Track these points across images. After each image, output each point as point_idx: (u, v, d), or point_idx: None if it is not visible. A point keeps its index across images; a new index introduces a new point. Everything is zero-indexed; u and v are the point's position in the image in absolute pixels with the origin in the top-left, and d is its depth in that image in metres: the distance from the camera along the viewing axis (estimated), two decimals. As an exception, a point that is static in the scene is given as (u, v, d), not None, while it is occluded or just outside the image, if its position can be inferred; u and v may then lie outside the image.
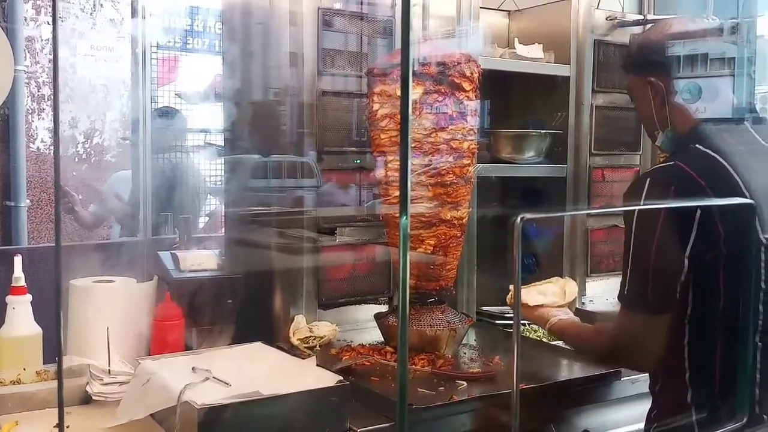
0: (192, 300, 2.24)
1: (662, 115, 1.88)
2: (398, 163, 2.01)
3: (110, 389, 1.86)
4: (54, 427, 1.65)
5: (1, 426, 1.70)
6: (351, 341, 2.31)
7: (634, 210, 1.79)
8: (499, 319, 2.70)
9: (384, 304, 2.48)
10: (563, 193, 2.84)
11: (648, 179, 1.79)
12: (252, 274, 2.40)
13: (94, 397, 1.86)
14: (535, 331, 2.56)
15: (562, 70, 2.82)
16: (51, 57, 4.85)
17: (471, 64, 2.15)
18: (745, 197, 1.67)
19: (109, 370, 1.91)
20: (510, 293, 2.23)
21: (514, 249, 1.27)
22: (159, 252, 2.65)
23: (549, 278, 2.33)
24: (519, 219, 1.26)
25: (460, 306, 2.56)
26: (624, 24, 2.88)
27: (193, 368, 1.78)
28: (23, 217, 4.66)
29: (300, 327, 2.27)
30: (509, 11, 3.10)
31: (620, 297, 1.80)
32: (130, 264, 2.43)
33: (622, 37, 2.87)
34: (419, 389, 1.88)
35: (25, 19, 4.70)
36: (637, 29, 2.86)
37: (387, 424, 1.73)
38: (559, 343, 2.33)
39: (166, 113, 4.15)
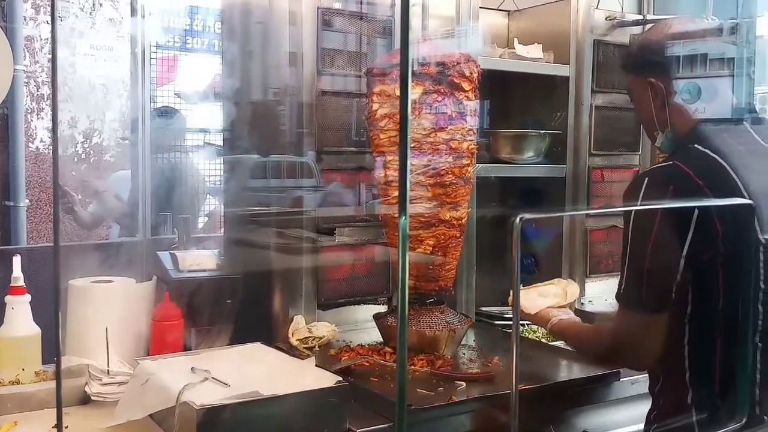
0: (191, 300, 2.24)
1: (662, 116, 1.88)
2: (397, 163, 2.01)
3: (109, 389, 1.86)
4: (53, 427, 1.64)
5: (0, 426, 1.70)
6: (350, 342, 2.31)
7: (632, 209, 1.79)
8: (498, 320, 2.69)
9: (383, 304, 2.47)
10: (562, 193, 2.84)
11: (646, 179, 1.79)
12: (251, 274, 2.40)
13: (92, 398, 1.86)
14: (534, 332, 2.55)
15: (561, 70, 2.82)
16: (50, 56, 4.85)
17: (470, 64, 2.15)
18: (744, 197, 1.67)
19: (108, 370, 1.91)
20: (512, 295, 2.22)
21: (514, 249, 1.27)
22: (158, 252, 2.65)
23: (550, 279, 2.33)
24: (518, 219, 1.26)
25: (459, 306, 2.56)
26: (623, 24, 2.88)
27: (192, 368, 1.78)
28: (22, 217, 4.66)
29: (299, 327, 2.27)
30: (509, 11, 3.10)
31: (617, 296, 1.80)
32: (129, 264, 2.42)
33: (622, 37, 2.87)
34: (418, 390, 1.87)
35: (25, 19, 4.70)
36: (637, 29, 2.86)
37: (386, 425, 1.73)
38: (559, 343, 2.33)
39: (166, 113, 4.15)
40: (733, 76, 1.90)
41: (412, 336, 2.16)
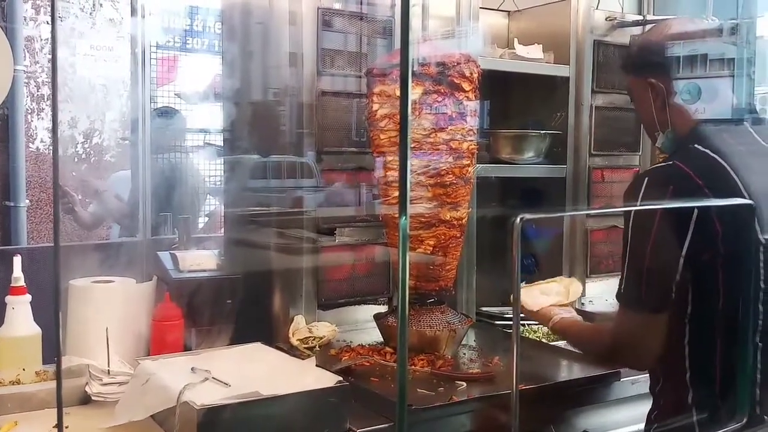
0: (191, 300, 2.24)
1: (662, 117, 1.88)
2: (398, 163, 2.01)
3: (109, 389, 1.86)
4: (53, 427, 1.64)
5: (1, 426, 1.70)
6: (350, 342, 2.31)
7: (632, 209, 1.79)
8: (499, 320, 2.70)
9: (383, 304, 2.47)
10: (563, 193, 2.84)
11: (646, 179, 1.80)
12: (251, 274, 2.40)
13: (93, 398, 1.86)
14: (535, 332, 2.56)
15: (561, 71, 2.82)
16: (50, 57, 4.85)
17: (470, 64, 2.15)
18: (744, 197, 1.68)
19: (108, 370, 1.91)
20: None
21: (514, 249, 1.27)
22: (158, 252, 2.65)
23: (553, 278, 2.33)
24: (518, 219, 1.26)
25: (460, 306, 2.56)
26: (623, 24, 2.88)
27: (192, 368, 1.78)
28: (23, 217, 4.66)
29: (299, 327, 2.27)
30: (509, 11, 3.10)
31: (618, 296, 1.81)
32: (129, 264, 2.42)
33: (622, 37, 2.87)
34: (419, 390, 1.88)
35: (25, 19, 4.70)
36: (637, 30, 2.86)
37: (386, 425, 1.73)
38: (559, 343, 2.33)
39: (166, 113, 4.15)
40: (733, 76, 1.90)
41: (412, 336, 2.16)
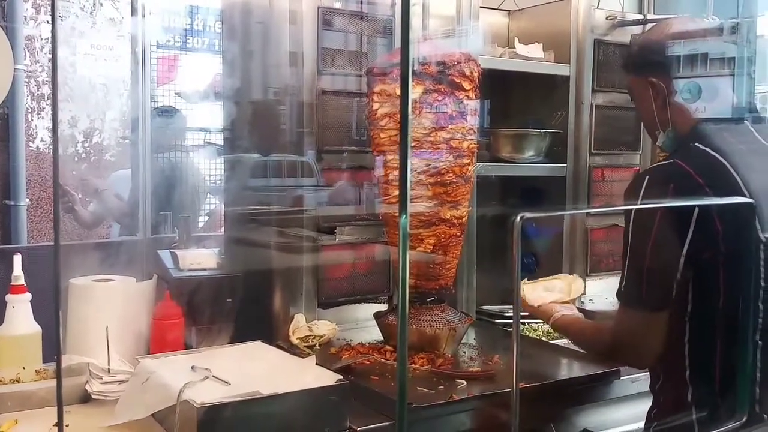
0: (191, 299, 2.24)
1: (663, 116, 1.88)
2: (398, 162, 2.01)
3: (110, 388, 1.86)
4: (53, 425, 1.65)
5: (1, 425, 1.70)
6: (350, 340, 2.31)
7: (633, 208, 1.80)
8: (499, 318, 2.70)
9: (383, 303, 2.48)
10: (563, 192, 2.84)
11: (647, 177, 1.80)
12: (251, 273, 2.40)
13: (93, 396, 1.86)
14: (535, 330, 2.56)
15: (562, 70, 2.82)
16: (51, 56, 4.85)
17: (471, 63, 2.15)
18: (745, 196, 1.68)
19: (108, 368, 1.91)
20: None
21: (514, 248, 1.27)
22: (158, 251, 2.65)
23: (554, 275, 2.34)
24: (518, 218, 1.26)
25: (460, 305, 2.56)
26: (624, 24, 2.88)
27: (192, 367, 1.78)
28: (23, 216, 4.66)
29: (299, 326, 2.27)
30: (509, 11, 3.10)
31: (618, 294, 1.81)
32: (129, 263, 2.43)
33: (622, 36, 2.87)
34: (419, 388, 1.88)
35: (25, 18, 4.71)
36: (637, 29, 2.86)
37: (386, 423, 1.73)
38: (559, 342, 2.34)
39: (166, 112, 4.15)
40: (733, 75, 1.90)
41: (412, 334, 2.16)
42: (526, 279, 2.33)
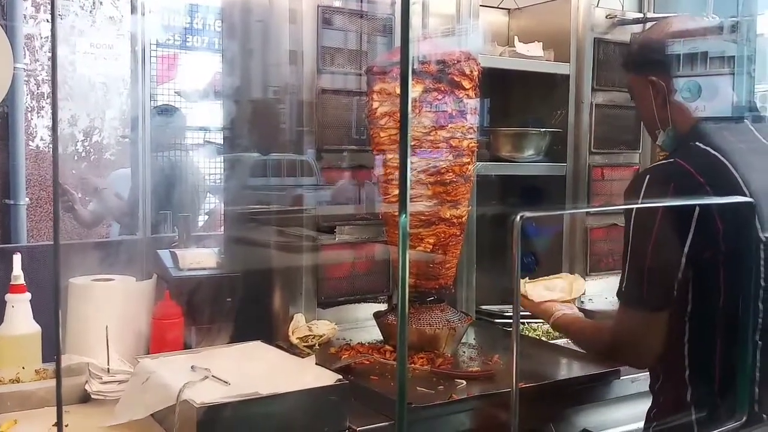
0: (191, 298, 2.24)
1: (663, 114, 1.88)
2: (398, 161, 2.00)
3: (109, 388, 1.86)
4: (53, 425, 1.64)
5: (0, 424, 1.70)
6: (350, 340, 2.31)
7: (633, 207, 1.80)
8: (499, 318, 2.69)
9: (383, 302, 2.47)
10: (563, 191, 2.84)
11: (647, 176, 1.79)
12: (251, 272, 2.40)
13: (93, 396, 1.86)
14: (535, 330, 2.56)
15: (561, 69, 2.82)
16: (50, 55, 4.85)
17: (471, 62, 2.15)
18: (745, 195, 1.68)
19: (108, 368, 1.91)
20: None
21: (514, 247, 1.27)
22: (158, 250, 2.65)
23: (556, 275, 2.34)
24: (518, 217, 1.26)
25: (460, 305, 2.56)
26: (624, 22, 2.88)
27: (192, 367, 1.77)
28: (22, 215, 4.66)
29: (299, 326, 2.27)
30: (509, 9, 3.10)
31: (618, 294, 1.81)
32: (129, 262, 2.42)
33: (622, 35, 2.87)
34: (418, 388, 1.88)
35: (25, 17, 4.70)
36: (637, 27, 2.86)
37: (386, 423, 1.73)
38: (559, 341, 2.33)
39: (166, 111, 4.15)
40: (733, 74, 1.90)
41: (412, 334, 2.16)
42: (527, 278, 2.33)
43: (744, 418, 1.63)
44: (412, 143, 2.07)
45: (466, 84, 2.13)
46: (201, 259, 2.46)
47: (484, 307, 2.75)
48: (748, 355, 1.65)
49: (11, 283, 2.04)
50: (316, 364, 1.85)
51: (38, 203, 4.75)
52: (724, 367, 1.71)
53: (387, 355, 2.14)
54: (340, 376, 1.74)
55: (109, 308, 2.07)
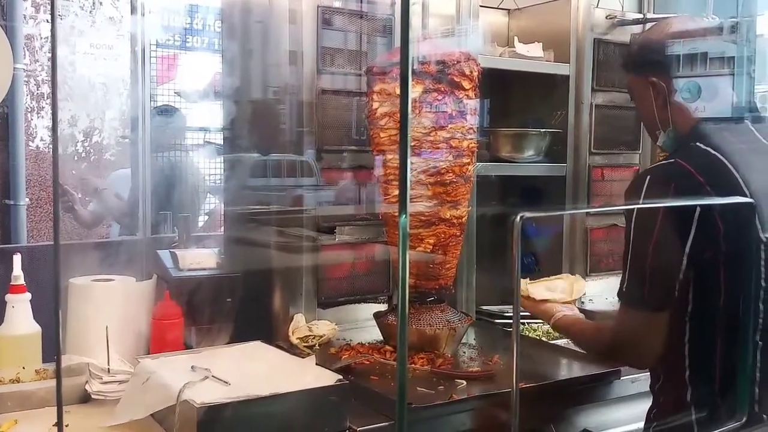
0: (191, 299, 2.24)
1: (664, 115, 1.88)
2: (398, 161, 2.00)
3: (109, 388, 1.86)
4: (53, 425, 1.64)
5: (1, 424, 1.70)
6: (350, 340, 2.31)
7: (634, 208, 1.80)
8: (499, 318, 2.70)
9: (383, 302, 2.47)
10: (563, 192, 2.84)
11: (648, 177, 1.79)
12: (251, 272, 2.40)
13: (93, 396, 1.86)
14: (535, 330, 2.56)
15: (561, 69, 2.82)
16: (50, 55, 4.85)
17: (470, 62, 2.15)
18: (745, 195, 1.68)
19: (108, 368, 1.91)
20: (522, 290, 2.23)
21: (514, 248, 1.27)
22: (158, 251, 2.65)
23: (557, 275, 2.34)
24: (518, 218, 1.26)
25: (460, 305, 2.56)
26: (624, 23, 2.88)
27: (192, 367, 1.77)
28: (22, 215, 4.66)
29: (299, 326, 2.27)
30: (509, 10, 3.10)
31: (619, 294, 1.80)
32: (129, 263, 2.42)
33: (622, 35, 2.87)
34: (418, 388, 1.88)
35: (25, 17, 4.70)
36: (637, 28, 2.86)
37: (386, 423, 1.73)
38: (559, 342, 2.33)
39: (166, 111, 4.15)
40: (733, 74, 1.90)
41: (412, 334, 2.16)
42: (528, 279, 2.33)
43: (744, 419, 1.63)
44: (412, 144, 2.07)
45: (466, 84, 2.13)
46: (201, 259, 2.46)
47: (484, 307, 2.75)
48: (748, 355, 1.65)
49: (11, 283, 2.04)
50: (316, 364, 1.85)
51: (38, 203, 4.75)
52: (724, 368, 1.71)
53: (387, 355, 2.14)
54: (341, 377, 1.74)
55: (109, 308, 2.07)
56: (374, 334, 2.33)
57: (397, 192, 2.09)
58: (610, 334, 1.87)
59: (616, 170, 2.93)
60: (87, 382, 1.88)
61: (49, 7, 4.77)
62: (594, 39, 2.83)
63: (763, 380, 1.70)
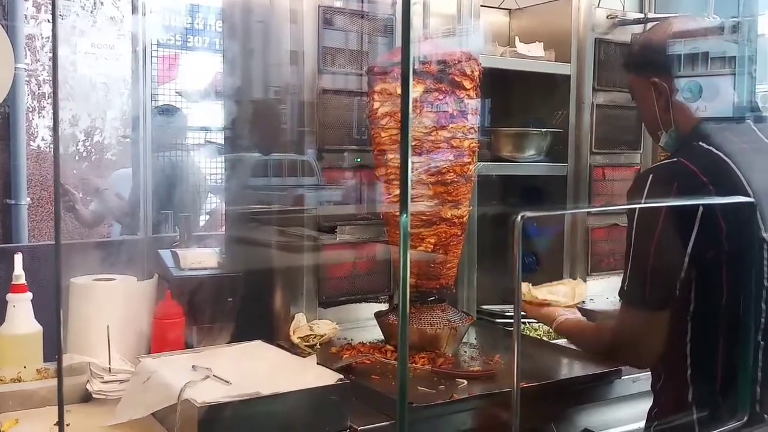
0: (192, 298, 2.24)
1: (666, 116, 1.88)
2: (399, 161, 2.01)
3: (110, 387, 1.86)
4: (54, 425, 1.65)
5: (2, 424, 1.70)
6: (351, 339, 2.31)
7: (635, 207, 1.79)
8: (500, 318, 2.69)
9: (384, 302, 2.47)
10: (564, 191, 2.84)
11: (650, 176, 1.79)
12: (252, 272, 2.40)
13: (94, 395, 1.86)
14: (536, 330, 2.56)
15: (562, 69, 2.82)
16: (51, 55, 4.85)
17: (471, 62, 2.15)
18: (748, 194, 1.67)
19: (109, 368, 1.91)
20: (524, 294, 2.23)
21: (515, 247, 1.27)
22: (159, 250, 2.65)
23: (551, 277, 2.34)
24: (519, 217, 1.26)
25: (461, 304, 2.56)
26: (625, 22, 2.88)
27: (193, 366, 1.78)
28: (24, 215, 4.66)
29: (300, 325, 2.27)
30: (510, 9, 3.10)
31: (620, 293, 1.80)
32: (130, 262, 2.43)
33: (623, 35, 2.87)
34: (419, 388, 1.88)
35: (26, 17, 4.70)
36: (638, 28, 2.86)
37: (387, 423, 1.73)
38: (560, 341, 2.33)
39: (167, 111, 4.15)
40: (734, 74, 1.90)
41: (413, 334, 2.16)
42: (530, 284, 2.31)
43: (745, 418, 1.63)
44: (413, 143, 2.07)
45: (467, 84, 2.13)
46: (202, 258, 2.46)
47: (485, 306, 2.75)
48: (749, 355, 1.65)
49: (12, 282, 2.04)
50: (317, 363, 1.85)
51: (39, 203, 4.75)
52: (725, 367, 1.71)
53: (388, 354, 2.14)
54: (341, 376, 1.74)
55: (110, 308, 2.07)
56: (375, 333, 2.33)
57: (398, 191, 2.09)
58: (611, 333, 1.87)
59: (617, 170, 2.93)
60: (88, 381, 1.88)
61: (50, 7, 4.77)
62: (595, 39, 2.83)
63: (765, 380, 1.70)
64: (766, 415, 1.69)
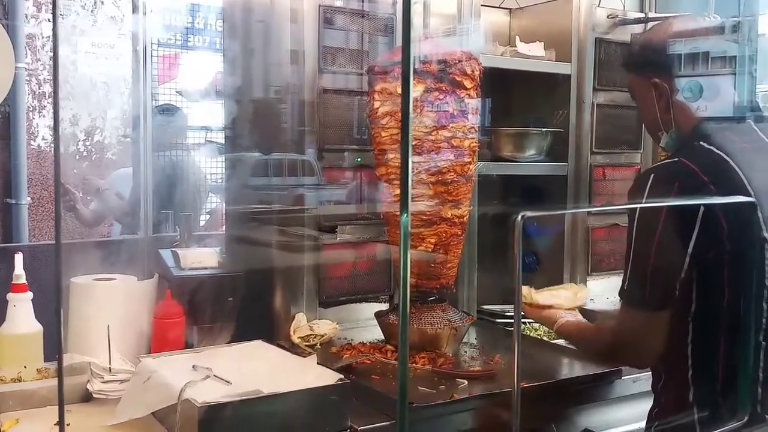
0: (192, 298, 2.24)
1: (666, 116, 1.87)
2: (399, 161, 2.00)
3: (111, 387, 1.86)
4: (54, 425, 1.65)
5: (2, 424, 1.70)
6: (352, 339, 2.31)
7: (636, 207, 1.79)
8: (500, 318, 2.69)
9: (385, 302, 2.47)
10: (564, 191, 2.84)
11: (652, 175, 1.79)
12: (253, 272, 2.40)
13: (94, 395, 1.86)
14: (536, 330, 2.56)
15: (563, 68, 2.81)
16: (52, 54, 4.85)
17: (472, 61, 2.15)
18: (749, 194, 1.67)
19: (109, 368, 1.91)
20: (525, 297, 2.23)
21: (515, 247, 1.27)
22: (160, 250, 2.65)
23: (552, 278, 2.33)
24: (520, 217, 1.26)
25: (461, 304, 2.56)
26: (625, 22, 2.88)
27: (193, 366, 1.78)
28: (24, 214, 4.66)
29: (301, 325, 2.27)
30: (510, 9, 3.09)
31: (621, 292, 1.80)
32: (130, 262, 2.43)
33: (624, 35, 2.87)
34: (420, 387, 1.88)
35: (26, 17, 4.70)
36: (638, 28, 2.86)
37: (387, 423, 1.73)
38: (561, 341, 2.33)
39: (167, 110, 4.15)
40: (734, 74, 1.90)
41: (413, 334, 2.16)
42: (531, 287, 2.30)
43: (746, 418, 1.63)
44: (414, 143, 2.07)
45: (467, 84, 2.13)
46: (202, 258, 2.46)
47: (485, 306, 2.75)
48: (750, 355, 1.64)
49: (13, 282, 2.04)
50: (317, 363, 1.85)
51: (40, 203, 4.75)
52: (726, 367, 1.70)
53: (388, 354, 2.14)
54: (342, 376, 1.74)
55: (110, 307, 2.07)
56: (375, 333, 2.33)
57: (398, 191, 2.09)
58: (612, 333, 1.86)
59: (618, 169, 2.93)
60: (88, 381, 1.88)
61: (50, 6, 4.77)
62: (595, 38, 2.83)
63: (766, 380, 1.70)
64: (766, 416, 1.69)
